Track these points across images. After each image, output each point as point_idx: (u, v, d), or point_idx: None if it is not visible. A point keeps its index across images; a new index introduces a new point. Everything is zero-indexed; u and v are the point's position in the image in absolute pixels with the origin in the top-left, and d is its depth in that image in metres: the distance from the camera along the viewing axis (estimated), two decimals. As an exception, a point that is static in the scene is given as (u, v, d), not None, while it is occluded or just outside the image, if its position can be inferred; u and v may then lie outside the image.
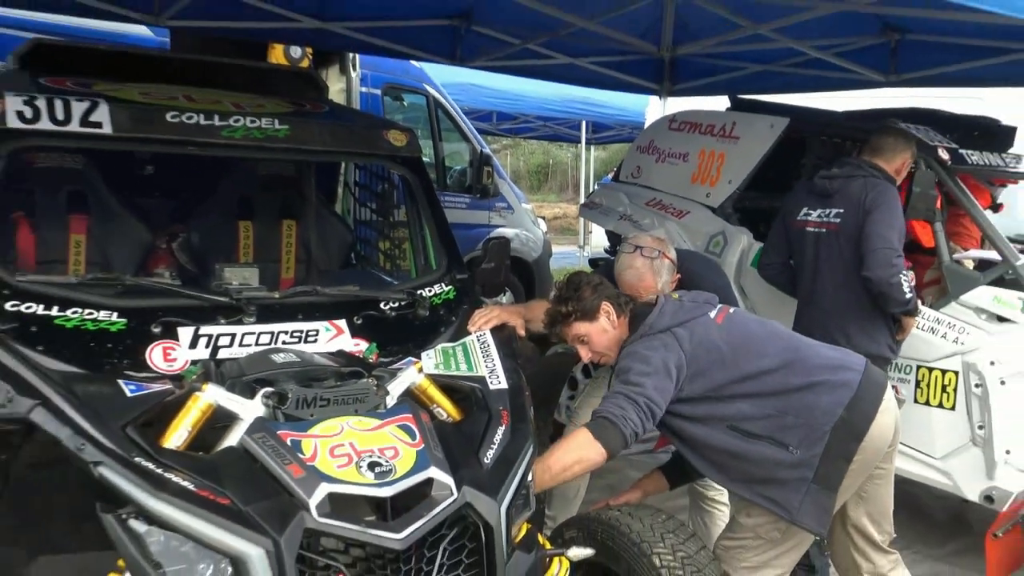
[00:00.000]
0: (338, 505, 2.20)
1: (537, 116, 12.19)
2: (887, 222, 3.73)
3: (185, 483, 2.15)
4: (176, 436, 2.34)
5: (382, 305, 3.19)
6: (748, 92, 6.04)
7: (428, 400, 2.74)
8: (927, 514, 5.04)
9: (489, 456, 2.53)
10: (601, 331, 3.01)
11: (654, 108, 8.80)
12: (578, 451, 2.72)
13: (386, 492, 2.24)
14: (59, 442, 2.22)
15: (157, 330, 2.75)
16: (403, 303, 3.22)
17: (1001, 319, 4.03)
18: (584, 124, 12.38)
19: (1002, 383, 3.94)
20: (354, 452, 2.31)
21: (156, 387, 2.53)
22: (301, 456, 2.26)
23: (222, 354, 2.79)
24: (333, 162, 4.24)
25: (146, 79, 3.49)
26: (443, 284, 3.36)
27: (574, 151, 21.34)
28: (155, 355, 2.71)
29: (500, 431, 2.63)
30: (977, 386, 4.01)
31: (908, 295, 3.78)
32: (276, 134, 3.31)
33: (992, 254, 4.23)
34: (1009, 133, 4.95)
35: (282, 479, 2.20)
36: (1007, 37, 4.63)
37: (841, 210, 3.86)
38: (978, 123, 4.92)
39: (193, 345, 2.78)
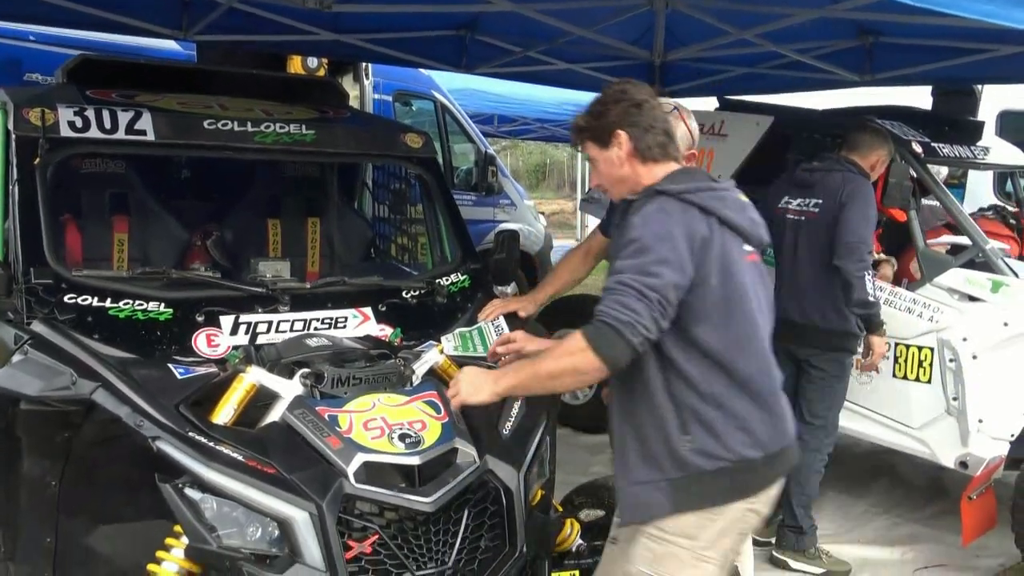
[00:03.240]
0: (372, 473, 2.30)
1: (535, 119, 12.26)
2: (860, 216, 3.80)
3: (235, 454, 2.24)
4: (224, 413, 2.43)
5: (404, 293, 3.27)
6: (734, 93, 6.10)
7: (449, 378, 2.82)
8: (906, 481, 5.14)
9: (508, 428, 2.64)
10: (609, 162, 2.24)
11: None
12: (571, 359, 2.05)
13: (415, 460, 2.33)
14: (119, 420, 2.31)
15: (201, 319, 2.84)
16: (423, 291, 3.31)
17: (972, 299, 4.11)
18: (579, 125, 12.47)
19: (974, 357, 4.01)
20: (386, 425, 2.41)
21: (202, 370, 2.62)
22: (338, 429, 2.36)
23: (260, 340, 2.88)
24: (355, 163, 4.31)
25: (183, 90, 3.57)
26: (459, 274, 3.44)
27: (570, 151, 21.39)
28: (200, 341, 2.80)
29: (516, 405, 2.73)
30: (951, 361, 4.08)
31: (870, 296, 3.77)
32: (304, 139, 3.40)
33: (963, 239, 4.31)
34: (978, 127, 5.02)
35: (322, 450, 2.29)
36: (975, 39, 4.70)
37: (820, 201, 3.93)
38: (949, 118, 4.99)
39: (234, 332, 2.87)
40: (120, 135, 3.08)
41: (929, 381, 4.21)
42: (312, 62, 6.54)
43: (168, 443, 2.23)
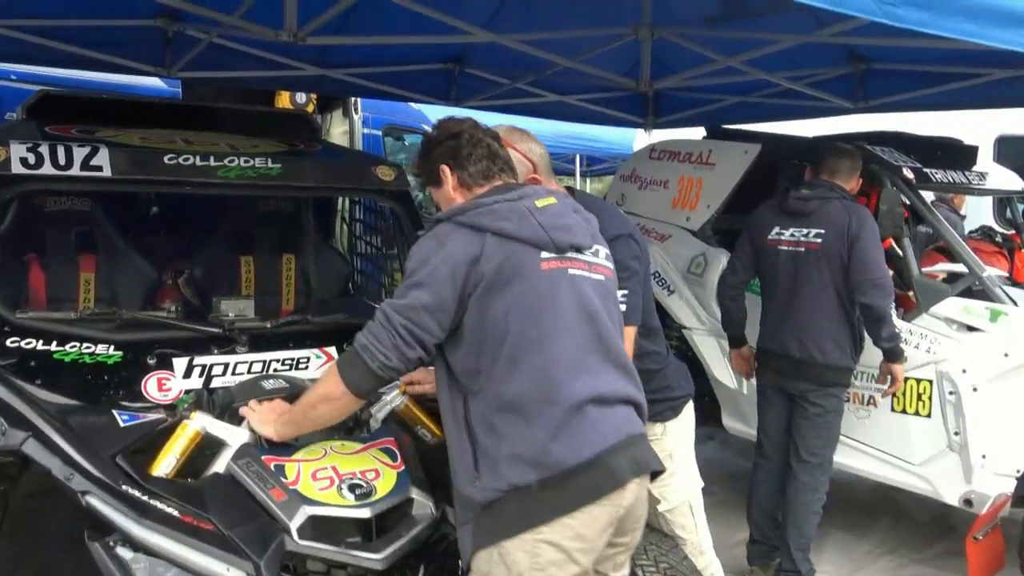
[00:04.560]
0: (322, 527, 2.12)
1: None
2: (876, 248, 3.68)
3: (170, 509, 2.07)
4: (165, 464, 2.26)
5: (372, 331, 3.11)
6: (727, 122, 5.98)
7: (412, 421, 2.65)
8: (910, 518, 4.90)
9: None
10: (445, 197, 2.19)
11: (640, 140, 8.75)
12: (323, 387, 2.13)
13: (365, 513, 2.16)
14: (50, 472, 2.15)
15: (152, 361, 2.69)
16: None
17: (971, 328, 3.92)
18: (578, 158, 12.34)
19: (974, 390, 3.82)
20: (336, 475, 2.23)
21: (149, 417, 2.46)
22: (284, 480, 2.18)
23: (215, 383, 2.73)
24: (327, 197, 4.18)
25: (148, 125, 3.45)
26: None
27: (567, 183, 21.36)
28: (150, 385, 2.65)
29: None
30: (951, 393, 3.89)
31: (896, 328, 3.71)
32: (269, 172, 3.26)
33: (959, 267, 4.13)
34: (972, 152, 4.86)
35: (265, 503, 2.12)
36: (968, 63, 4.57)
37: (822, 231, 3.76)
38: (941, 143, 4.83)
39: (187, 375, 2.71)
40: (75, 171, 2.94)
41: (929, 415, 4.00)
42: (301, 98, 6.45)
43: (98, 498, 2.05)
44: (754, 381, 4.23)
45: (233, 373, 2.77)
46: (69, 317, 2.75)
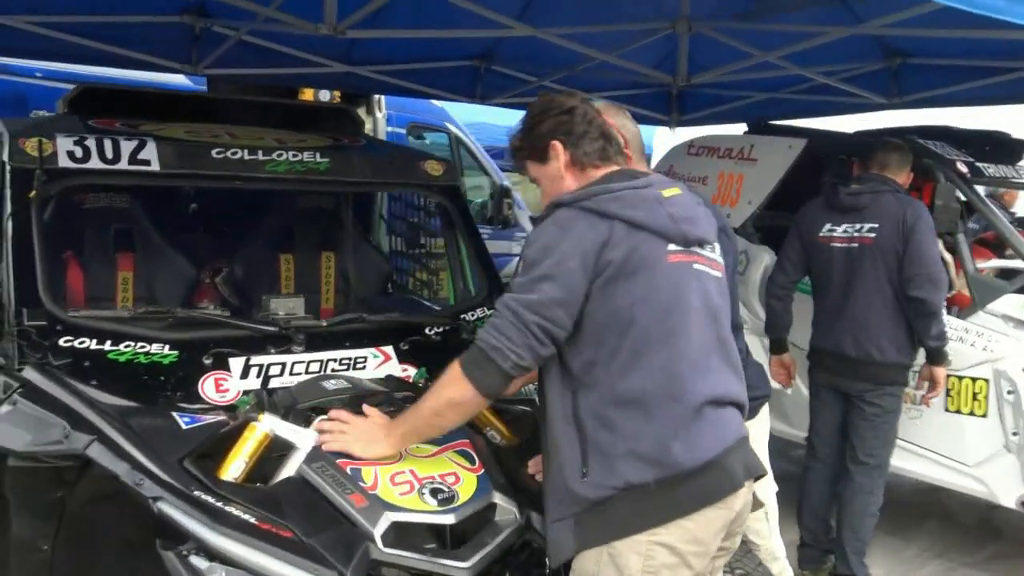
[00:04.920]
0: (401, 535, 2.01)
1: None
2: (932, 242, 3.59)
3: (246, 516, 1.96)
4: (234, 467, 2.15)
5: (427, 330, 3.01)
6: (755, 119, 5.89)
7: (482, 424, 2.54)
8: (957, 521, 4.81)
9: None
10: (550, 178, 2.09)
11: (661, 137, 8.65)
12: (448, 391, 2.00)
13: (450, 519, 2.05)
14: (117, 477, 2.04)
15: (208, 361, 2.59)
16: (447, 328, 3.05)
17: (1029, 326, 3.83)
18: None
19: (1034, 389, 3.72)
20: (415, 479, 2.13)
21: (210, 418, 2.35)
22: (362, 484, 2.07)
23: (273, 383, 2.62)
24: (371, 193, 4.07)
25: (191, 119, 3.35)
26: (485, 308, 3.18)
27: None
28: (207, 386, 2.54)
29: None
30: (1009, 392, 3.79)
31: (945, 327, 3.63)
32: (317, 167, 3.17)
33: (1016, 262, 4.03)
34: (1019, 146, 4.77)
35: (344, 509, 2.01)
36: (1004, 56, 4.47)
37: (876, 225, 3.66)
38: (989, 137, 4.74)
39: (244, 375, 2.61)
40: (123, 165, 2.83)
41: (985, 415, 3.91)
42: (324, 95, 6.36)
43: (171, 504, 1.94)
44: (797, 380, 4.14)
45: (291, 373, 2.66)
46: (123, 315, 2.64)
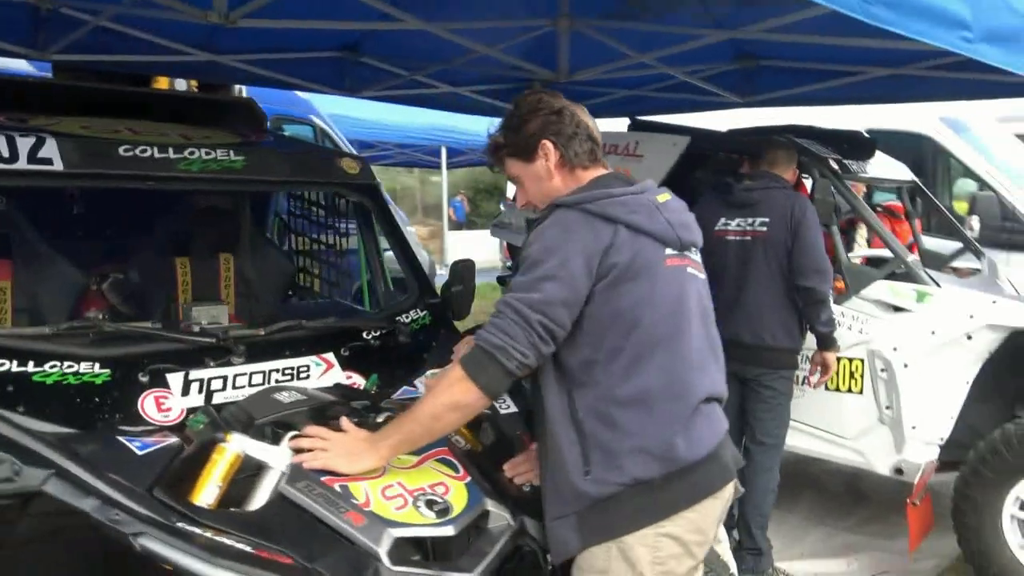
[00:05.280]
0: (404, 551, 1.94)
1: (396, 144, 11.90)
2: (817, 235, 3.83)
3: (241, 545, 1.82)
4: (206, 493, 1.99)
5: (364, 335, 2.91)
6: (617, 115, 6.08)
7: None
8: (829, 489, 5.20)
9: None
10: (535, 177, 2.09)
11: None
12: (449, 393, 1.95)
13: (450, 530, 2.00)
14: (75, 513, 1.83)
15: (145, 379, 2.39)
16: (384, 331, 2.96)
17: (898, 309, 4.18)
18: (444, 149, 12.25)
19: (905, 366, 4.08)
20: (406, 492, 2.06)
21: (164, 441, 2.17)
22: (355, 502, 1.98)
23: (216, 398, 2.45)
24: (269, 193, 3.87)
25: (81, 112, 3.05)
26: (417, 309, 3.12)
27: (418, 176, 21.12)
28: (147, 405, 2.35)
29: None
30: (883, 370, 4.14)
31: (833, 314, 3.89)
32: (233, 166, 2.98)
33: (884, 252, 4.40)
34: (871, 144, 5.19)
35: (342, 529, 1.91)
36: (848, 61, 4.85)
37: (767, 219, 3.88)
38: (847, 136, 5.13)
39: (186, 392, 2.43)
40: (22, 164, 2.54)
41: (861, 392, 4.25)
42: (181, 84, 5.95)
43: (155, 539, 1.76)
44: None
45: (234, 387, 2.50)
46: (44, 332, 2.37)
